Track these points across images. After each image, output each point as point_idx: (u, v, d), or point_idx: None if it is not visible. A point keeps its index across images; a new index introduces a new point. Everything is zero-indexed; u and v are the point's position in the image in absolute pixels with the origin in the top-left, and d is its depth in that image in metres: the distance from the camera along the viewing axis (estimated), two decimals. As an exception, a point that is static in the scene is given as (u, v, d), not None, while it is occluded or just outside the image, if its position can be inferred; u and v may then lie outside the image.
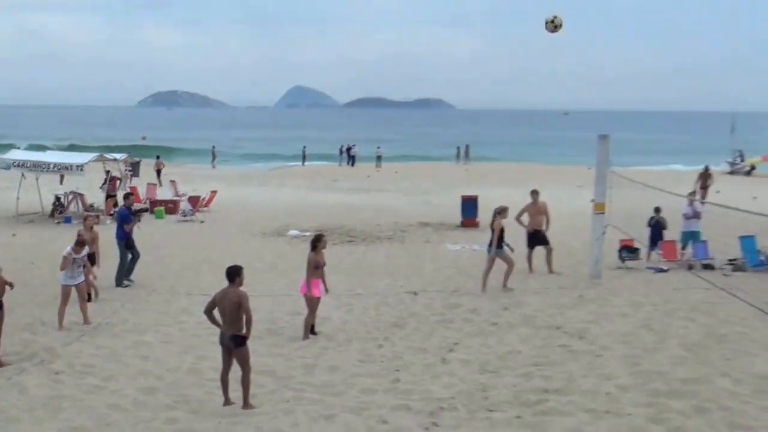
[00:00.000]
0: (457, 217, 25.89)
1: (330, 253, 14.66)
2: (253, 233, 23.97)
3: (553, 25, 7.28)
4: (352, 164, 58.84)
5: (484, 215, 26.21)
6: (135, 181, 35.52)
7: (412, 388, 9.94)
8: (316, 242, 12.58)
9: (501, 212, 16.03)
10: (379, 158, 59.40)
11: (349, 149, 60.98)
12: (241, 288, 9.48)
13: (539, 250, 17.53)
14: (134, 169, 40.90)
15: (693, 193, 20.66)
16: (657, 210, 18.84)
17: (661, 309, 13.81)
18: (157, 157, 44.22)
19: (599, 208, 16.76)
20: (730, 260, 18.26)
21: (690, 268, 17.68)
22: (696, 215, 19.04)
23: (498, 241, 15.75)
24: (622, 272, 17.52)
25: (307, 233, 21.93)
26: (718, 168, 46.64)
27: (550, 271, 17.26)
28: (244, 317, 9.29)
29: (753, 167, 53.60)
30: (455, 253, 20.46)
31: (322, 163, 62.68)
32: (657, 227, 18.88)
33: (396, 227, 25.05)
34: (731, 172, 52.26)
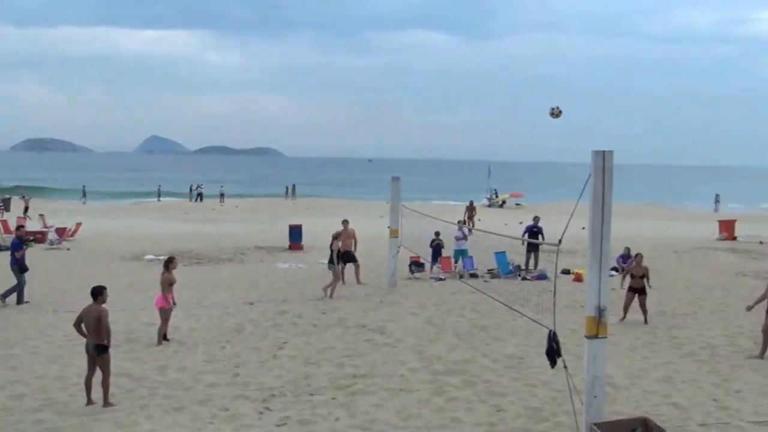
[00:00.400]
0: (285, 241, 25.65)
1: (180, 273, 14.04)
2: (114, 258, 22.41)
3: (554, 114, 7.37)
4: (200, 200, 56.85)
5: (308, 239, 26.25)
6: (6, 215, 32.55)
7: (249, 380, 9.65)
8: (169, 263, 12.02)
9: (337, 236, 16.12)
10: (222, 195, 57.75)
11: (197, 187, 58.97)
12: (104, 305, 8.87)
13: (350, 266, 17.70)
14: (5, 204, 38.50)
15: (461, 221, 21.63)
16: (437, 234, 19.60)
17: (440, 308, 14.32)
18: (23, 196, 41.74)
19: (394, 234, 17.18)
20: (489, 270, 19.33)
21: (461, 277, 18.48)
22: (464, 237, 20.04)
23: (336, 258, 15.80)
24: (411, 282, 18.02)
25: (161, 257, 20.84)
26: (479, 202, 49.37)
27: (358, 282, 17.47)
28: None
29: (504, 202, 57.32)
30: (284, 270, 20.18)
31: (174, 199, 59.89)
32: (437, 247, 19.64)
33: (236, 250, 24.38)
34: (489, 206, 55.51)
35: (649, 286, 13.72)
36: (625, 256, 19.91)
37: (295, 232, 25.44)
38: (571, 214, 6.94)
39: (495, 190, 60.66)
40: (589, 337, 6.68)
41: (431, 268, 19.12)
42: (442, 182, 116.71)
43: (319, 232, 29.06)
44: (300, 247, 24.93)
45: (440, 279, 18.25)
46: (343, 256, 17.69)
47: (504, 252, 19.26)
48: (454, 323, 12.95)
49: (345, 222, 18.14)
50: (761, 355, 10.68)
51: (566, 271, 19.12)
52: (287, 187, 65.79)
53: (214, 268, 20.70)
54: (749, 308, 11.13)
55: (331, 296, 15.58)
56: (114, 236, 28.87)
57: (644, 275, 13.60)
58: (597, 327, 6.63)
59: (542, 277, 18.26)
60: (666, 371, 10.12)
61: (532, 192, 71.56)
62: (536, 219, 20.77)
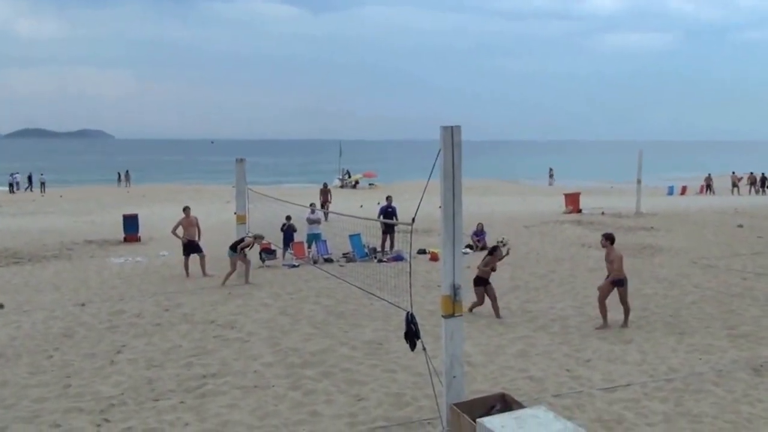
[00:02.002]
0: (119, 233, 24.36)
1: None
2: None
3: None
4: (13, 191, 52.43)
5: (145, 230, 25.09)
6: None
7: (83, 390, 9.07)
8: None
9: (257, 238, 16.19)
10: (42, 184, 53.73)
11: (12, 176, 54.31)
12: None
13: (194, 257, 17.16)
14: None
15: (313, 204, 21.64)
16: (288, 218, 19.51)
17: (294, 297, 14.28)
18: None
19: (241, 220, 16.87)
20: (344, 254, 19.55)
21: (315, 262, 18.57)
22: (317, 221, 20.10)
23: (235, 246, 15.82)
24: (264, 270, 17.80)
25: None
26: (332, 184, 49.66)
27: (204, 274, 16.98)
28: None
29: (357, 182, 58.18)
30: (119, 265, 19.15)
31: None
32: (288, 231, 19.55)
33: (62, 246, 22.76)
34: (341, 186, 56.13)
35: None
36: (478, 232, 20.96)
37: (131, 223, 24.24)
38: (423, 192, 7.15)
39: (347, 170, 61.39)
40: (445, 317, 6.94)
41: (284, 254, 19.01)
42: (291, 164, 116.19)
43: (157, 222, 27.93)
44: (137, 239, 23.84)
45: (293, 266, 18.20)
46: (185, 246, 17.11)
47: (359, 234, 19.56)
48: (309, 312, 12.96)
49: (186, 209, 17.53)
50: (605, 325, 11.68)
51: (422, 251, 19.80)
52: (119, 173, 62.49)
53: (36, 267, 19.20)
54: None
55: (223, 283, 15.68)
56: None
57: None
58: (453, 306, 6.90)
59: (399, 258, 18.77)
60: (522, 345, 10.79)
61: (386, 172, 73.26)
62: (389, 199, 21.26)
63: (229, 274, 15.85)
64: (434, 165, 6.95)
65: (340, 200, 36.19)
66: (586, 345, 10.81)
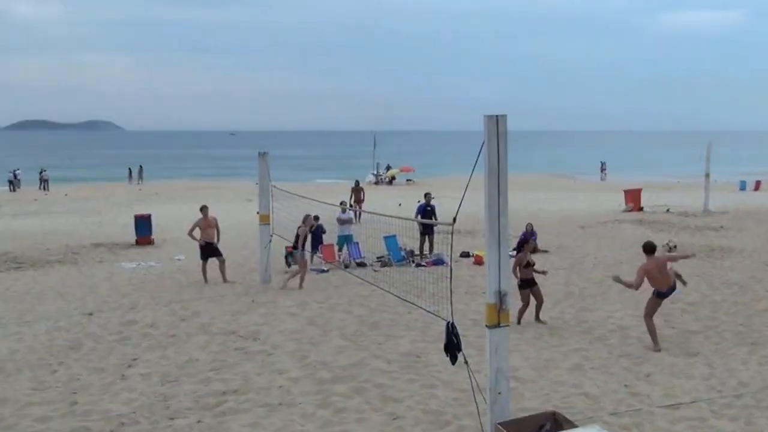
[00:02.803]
0: (131, 235, 24.82)
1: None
2: None
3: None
4: (15, 189, 53.69)
5: (159, 232, 25.53)
6: None
7: (92, 408, 9.28)
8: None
9: (306, 221, 16.59)
10: (45, 181, 54.95)
11: (13, 172, 55.62)
12: None
13: (212, 261, 17.41)
14: None
15: (344, 203, 21.72)
16: (316, 218, 19.67)
17: (323, 306, 14.41)
18: None
19: (264, 220, 17.06)
20: (378, 258, 19.65)
21: (346, 266, 18.71)
22: (349, 221, 20.25)
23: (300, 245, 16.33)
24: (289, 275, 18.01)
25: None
26: (365, 180, 49.79)
27: (225, 281, 17.22)
28: None
29: (393, 178, 58.34)
30: (131, 270, 19.53)
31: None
32: (317, 232, 19.70)
33: (67, 250, 23.28)
34: (376, 183, 56.34)
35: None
36: (528, 233, 20.88)
37: (143, 224, 24.65)
38: (465, 188, 7.18)
39: (387, 165, 61.58)
40: (490, 327, 6.97)
41: (312, 257, 19.18)
42: (319, 156, 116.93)
43: (171, 223, 28.39)
44: (150, 242, 24.26)
45: (323, 270, 18.36)
46: (203, 249, 17.38)
47: (394, 236, 19.64)
48: (339, 322, 13.08)
49: (204, 208, 17.79)
50: (656, 347, 11.30)
51: (466, 254, 19.81)
52: (130, 169, 63.56)
53: (39, 273, 19.67)
54: (617, 279, 11.95)
55: (300, 286, 16.23)
56: None
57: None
58: (498, 315, 6.93)
59: (439, 262, 18.83)
60: (576, 359, 10.75)
61: (425, 166, 73.33)
62: (428, 197, 21.29)
63: (303, 275, 16.37)
64: (477, 159, 6.98)
65: (375, 198, 36.28)
66: (647, 358, 10.75)
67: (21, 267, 20.51)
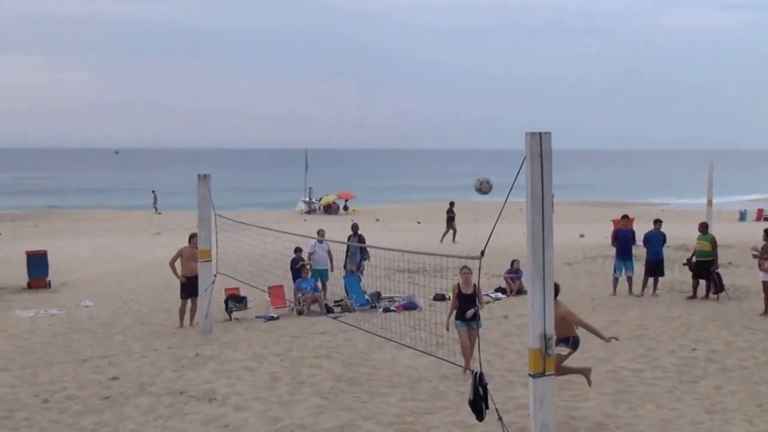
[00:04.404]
0: (21, 277, 24.45)
1: None
2: None
3: (482, 190, 8.19)
4: None
5: (53, 274, 25.02)
6: None
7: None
8: None
9: None
10: None
11: None
12: None
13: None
14: None
15: (322, 231, 21.59)
16: (297, 250, 19.96)
17: (285, 358, 14.58)
18: None
19: (204, 256, 17.03)
20: (337, 301, 19.89)
21: (299, 313, 18.87)
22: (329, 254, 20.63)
23: None
24: (233, 324, 18.12)
25: None
26: (294, 208, 49.49)
27: (192, 323, 17.55)
28: None
29: (331, 206, 58.25)
30: (30, 320, 19.25)
31: None
32: (301, 268, 19.75)
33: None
34: (308, 212, 56.41)
35: None
36: (513, 271, 21.61)
37: (38, 262, 24.38)
38: (497, 218, 7.61)
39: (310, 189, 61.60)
40: (533, 376, 7.37)
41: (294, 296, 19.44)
42: (246, 181, 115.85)
43: (66, 262, 28.05)
44: (46, 285, 23.98)
45: (272, 318, 18.48)
46: (184, 286, 17.48)
47: (357, 275, 19.95)
48: (309, 378, 13.27)
49: (193, 236, 17.73)
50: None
51: (440, 297, 20.03)
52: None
53: None
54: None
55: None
56: None
57: None
58: (544, 361, 7.33)
59: (411, 305, 19.15)
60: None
61: (366, 190, 73.88)
62: (355, 228, 22.33)
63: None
64: (513, 182, 7.42)
65: (310, 230, 36.43)
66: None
67: None
